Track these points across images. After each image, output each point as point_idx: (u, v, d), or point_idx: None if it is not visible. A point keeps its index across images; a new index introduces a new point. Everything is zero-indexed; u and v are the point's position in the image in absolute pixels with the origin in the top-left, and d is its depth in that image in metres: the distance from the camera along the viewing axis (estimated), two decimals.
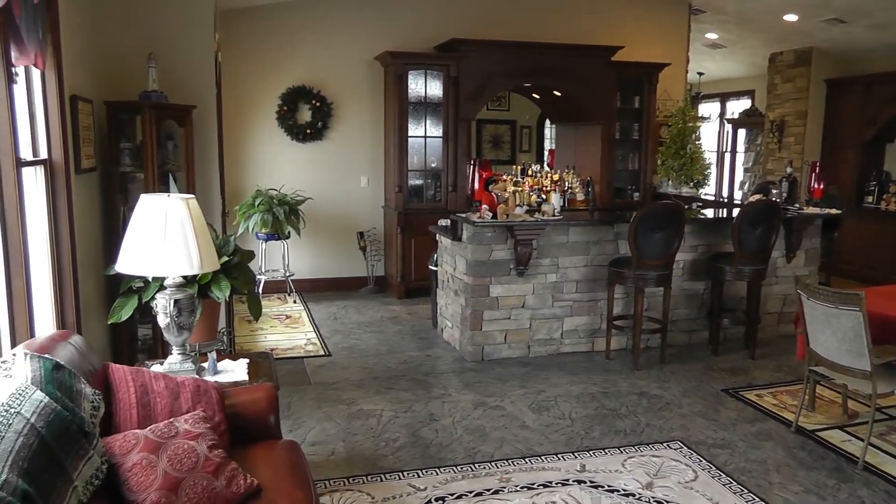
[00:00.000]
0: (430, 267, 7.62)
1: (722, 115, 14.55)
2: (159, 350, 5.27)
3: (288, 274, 8.83)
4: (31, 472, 2.05)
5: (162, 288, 3.66)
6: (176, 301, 3.56)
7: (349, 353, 6.84)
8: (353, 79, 9.25)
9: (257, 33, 8.84)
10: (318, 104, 9.11)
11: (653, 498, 4.08)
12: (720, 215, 7.56)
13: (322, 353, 6.84)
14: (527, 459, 4.58)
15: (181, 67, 5.80)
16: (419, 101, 8.87)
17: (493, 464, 4.50)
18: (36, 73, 4.01)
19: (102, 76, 5.42)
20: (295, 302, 8.84)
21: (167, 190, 5.52)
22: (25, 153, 3.85)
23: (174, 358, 3.67)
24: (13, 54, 3.35)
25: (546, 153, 12.58)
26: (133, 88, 5.41)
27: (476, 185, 6.54)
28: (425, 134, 8.98)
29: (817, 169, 7.58)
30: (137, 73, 5.44)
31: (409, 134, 8.88)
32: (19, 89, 3.79)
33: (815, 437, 4.96)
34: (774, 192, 7.54)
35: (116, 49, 5.54)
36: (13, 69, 3.43)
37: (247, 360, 4.01)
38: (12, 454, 2.03)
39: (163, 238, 3.37)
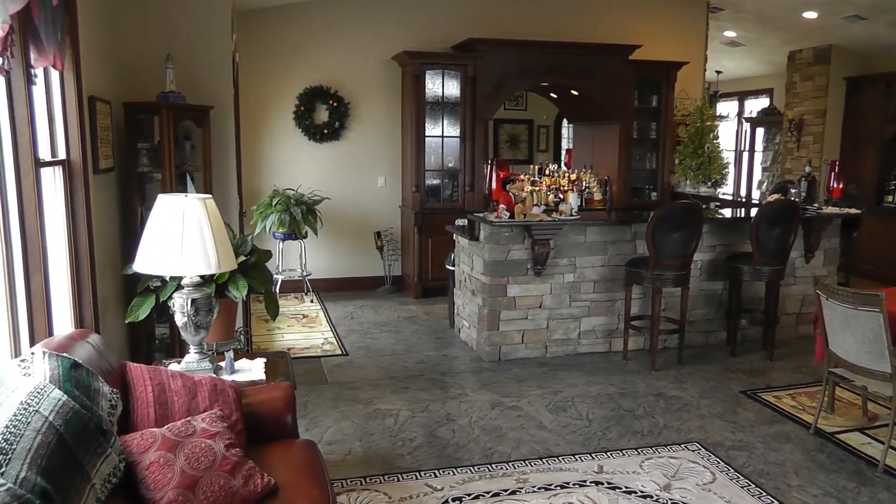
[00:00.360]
0: (448, 267, 7.62)
1: (740, 113, 14.46)
2: (176, 349, 5.29)
3: (305, 273, 8.86)
4: (49, 470, 2.06)
5: (179, 287, 3.68)
6: (193, 300, 3.58)
7: (366, 352, 6.85)
8: (370, 79, 9.26)
9: (275, 34, 8.87)
10: (335, 104, 9.13)
11: (670, 500, 4.06)
12: (738, 215, 7.52)
13: (339, 352, 6.85)
14: (544, 460, 4.56)
15: (199, 68, 5.83)
16: (436, 101, 8.87)
17: (510, 464, 4.49)
18: (55, 75, 4.03)
19: (120, 77, 5.45)
20: (312, 301, 8.86)
21: (184, 190, 5.55)
22: (44, 153, 3.88)
23: (191, 357, 3.68)
24: (32, 55, 3.37)
25: (563, 153, 12.55)
26: (151, 89, 5.44)
27: (493, 185, 6.53)
28: (442, 134, 8.98)
29: (836, 168, 7.51)
30: (155, 74, 5.46)
31: (427, 134, 8.88)
32: (38, 90, 3.81)
33: (834, 440, 4.91)
34: (793, 191, 7.48)
35: (134, 50, 5.56)
36: (32, 70, 3.45)
37: (264, 360, 4.03)
38: (31, 452, 2.04)
39: (180, 238, 3.38)
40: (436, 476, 4.32)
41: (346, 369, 6.35)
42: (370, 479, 4.27)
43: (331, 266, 9.43)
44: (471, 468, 4.42)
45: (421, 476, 4.32)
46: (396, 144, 9.41)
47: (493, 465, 4.47)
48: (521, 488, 4.18)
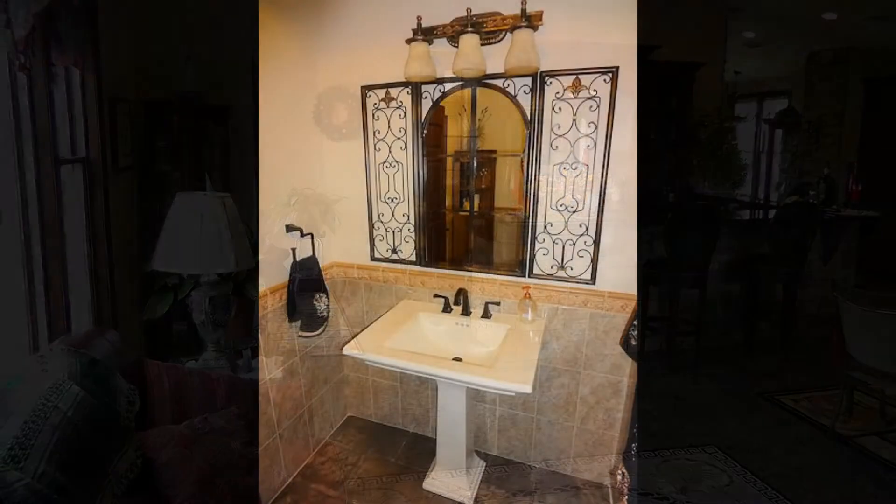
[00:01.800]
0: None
1: (758, 115, 14.37)
2: (194, 347, 5.31)
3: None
4: (67, 466, 2.07)
5: (197, 285, 3.69)
6: (211, 298, 3.60)
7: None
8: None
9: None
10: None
11: (687, 502, 4.04)
12: (756, 217, 7.47)
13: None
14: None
15: (219, 68, 5.84)
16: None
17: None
18: (75, 73, 4.06)
19: (140, 76, 5.47)
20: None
21: (203, 188, 5.57)
22: (64, 151, 3.90)
23: (209, 355, 3.70)
24: (53, 55, 3.39)
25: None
26: (171, 88, 5.46)
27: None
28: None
29: (855, 170, 7.46)
30: (175, 74, 5.48)
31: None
32: (59, 89, 3.84)
33: (851, 443, 4.88)
34: (811, 193, 7.44)
35: (155, 49, 5.58)
36: (53, 69, 3.47)
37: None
38: (49, 447, 2.05)
39: (198, 236, 3.40)
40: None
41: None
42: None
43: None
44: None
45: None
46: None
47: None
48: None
